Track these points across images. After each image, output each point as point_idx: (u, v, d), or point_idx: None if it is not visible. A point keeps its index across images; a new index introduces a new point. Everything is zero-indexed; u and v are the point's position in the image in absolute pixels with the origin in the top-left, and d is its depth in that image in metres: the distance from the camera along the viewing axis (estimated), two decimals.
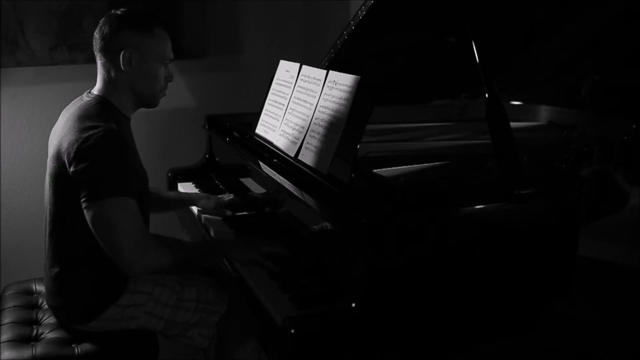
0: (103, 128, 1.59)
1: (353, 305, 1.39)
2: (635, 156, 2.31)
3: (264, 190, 2.07)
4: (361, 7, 2.03)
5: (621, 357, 2.38)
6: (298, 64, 2.01)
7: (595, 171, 2.17)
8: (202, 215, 2.14)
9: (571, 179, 1.87)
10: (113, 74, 1.72)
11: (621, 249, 2.72)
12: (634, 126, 2.33)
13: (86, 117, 1.64)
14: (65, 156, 1.60)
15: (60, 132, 1.67)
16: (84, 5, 2.78)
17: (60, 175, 1.64)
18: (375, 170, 1.81)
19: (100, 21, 1.72)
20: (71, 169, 1.58)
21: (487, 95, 1.70)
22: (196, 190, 2.39)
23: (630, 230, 2.60)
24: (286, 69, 2.08)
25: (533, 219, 1.64)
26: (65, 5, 2.77)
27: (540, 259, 1.65)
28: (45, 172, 1.73)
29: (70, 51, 2.80)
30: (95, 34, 1.72)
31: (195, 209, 2.22)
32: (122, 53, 1.67)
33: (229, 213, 2.15)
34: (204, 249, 1.83)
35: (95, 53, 1.74)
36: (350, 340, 1.42)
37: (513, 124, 1.71)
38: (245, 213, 2.15)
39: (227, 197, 2.21)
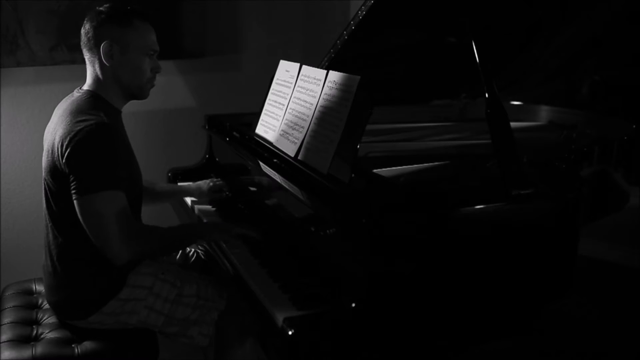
0: (95, 120, 1.62)
1: (353, 305, 1.39)
2: (635, 156, 2.31)
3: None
4: (361, 7, 2.03)
5: (621, 357, 2.38)
6: (298, 64, 2.01)
7: (595, 171, 2.17)
8: (195, 206, 2.22)
9: (571, 179, 1.87)
10: (98, 69, 1.75)
11: (621, 249, 2.72)
12: (634, 126, 2.33)
13: (78, 111, 1.67)
14: (58, 149, 1.62)
15: (54, 128, 1.69)
16: (84, 5, 2.78)
17: (55, 169, 1.65)
18: (375, 170, 1.81)
19: (85, 19, 1.75)
20: (63, 160, 1.60)
21: (487, 95, 1.70)
22: None
23: (630, 230, 2.60)
24: (286, 69, 2.08)
25: (533, 219, 1.64)
26: (65, 5, 2.77)
27: (540, 259, 1.65)
28: None
29: (70, 51, 2.80)
30: (81, 31, 1.75)
31: (189, 200, 2.29)
32: (102, 46, 1.70)
33: (225, 194, 2.23)
34: (183, 232, 1.90)
35: (82, 50, 1.77)
36: (349, 341, 1.42)
37: (513, 124, 1.71)
38: (240, 206, 2.20)
39: (219, 181, 2.28)
